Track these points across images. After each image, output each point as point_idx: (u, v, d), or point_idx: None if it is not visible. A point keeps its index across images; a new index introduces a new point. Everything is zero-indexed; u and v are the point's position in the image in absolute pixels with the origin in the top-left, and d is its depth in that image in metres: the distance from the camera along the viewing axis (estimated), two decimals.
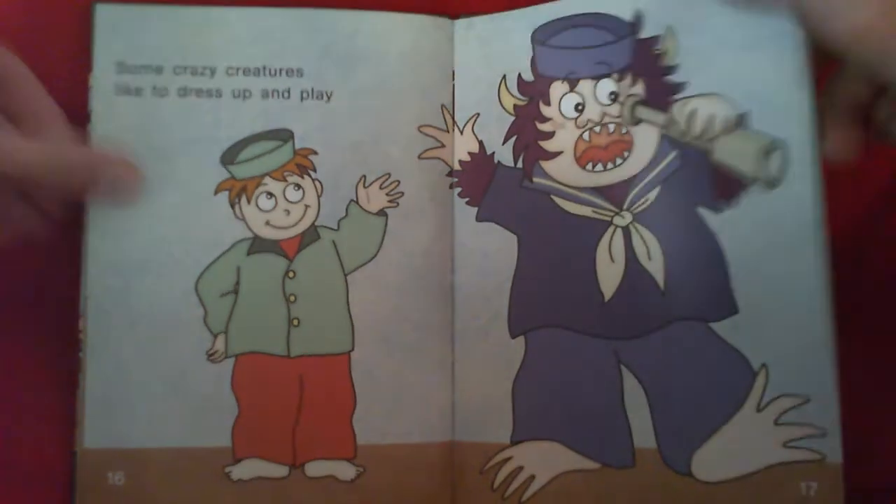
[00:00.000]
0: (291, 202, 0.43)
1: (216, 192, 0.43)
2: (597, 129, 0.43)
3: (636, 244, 0.42)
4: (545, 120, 0.43)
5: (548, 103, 0.43)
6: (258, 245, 0.43)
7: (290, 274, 0.43)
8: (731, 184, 0.40)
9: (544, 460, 0.42)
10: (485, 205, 0.44)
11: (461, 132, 0.44)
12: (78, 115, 0.42)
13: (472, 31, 0.44)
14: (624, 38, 0.42)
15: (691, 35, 0.41)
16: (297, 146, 0.43)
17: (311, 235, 0.43)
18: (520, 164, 0.44)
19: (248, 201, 0.43)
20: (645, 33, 0.42)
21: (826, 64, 0.38)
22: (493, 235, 0.43)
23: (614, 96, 0.42)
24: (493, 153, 0.44)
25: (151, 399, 0.42)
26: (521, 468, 0.42)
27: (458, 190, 0.44)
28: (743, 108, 0.39)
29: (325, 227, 0.43)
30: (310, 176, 0.43)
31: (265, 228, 0.43)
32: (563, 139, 0.43)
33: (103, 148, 0.42)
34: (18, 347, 0.44)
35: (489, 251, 0.43)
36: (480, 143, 0.44)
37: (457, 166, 0.44)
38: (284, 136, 0.43)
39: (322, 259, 0.43)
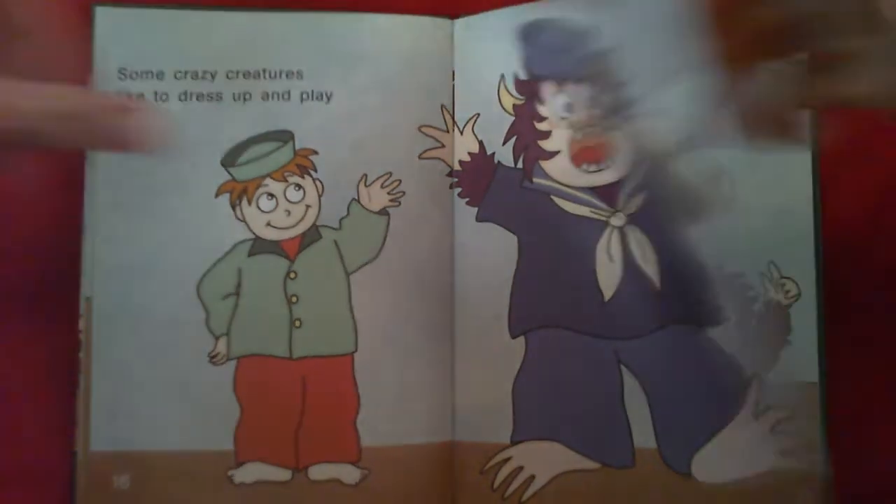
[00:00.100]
0: (292, 202, 0.43)
1: (217, 195, 0.43)
2: (588, 129, 0.43)
3: (632, 245, 0.42)
4: (542, 119, 0.44)
5: (543, 102, 0.43)
6: (259, 246, 0.43)
7: (292, 275, 0.43)
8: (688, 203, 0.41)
9: (544, 460, 0.42)
10: (485, 205, 0.44)
11: (461, 132, 0.44)
12: None
13: (472, 32, 0.44)
14: (581, 47, 0.43)
15: (643, 52, 0.41)
16: (298, 147, 0.43)
17: (312, 235, 0.43)
18: (520, 165, 0.44)
19: (249, 202, 0.43)
20: (599, 45, 0.42)
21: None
22: (493, 235, 0.43)
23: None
24: (494, 153, 0.44)
25: (154, 402, 0.42)
26: (520, 468, 0.42)
27: (458, 190, 0.44)
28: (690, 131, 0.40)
29: (327, 226, 0.43)
30: (310, 176, 0.43)
31: (266, 229, 0.43)
32: (559, 138, 0.43)
33: (108, 94, 0.38)
34: (18, 348, 0.44)
35: (489, 251, 0.43)
36: (480, 143, 0.44)
37: (457, 166, 0.44)
38: (285, 137, 0.43)
39: (324, 259, 0.43)
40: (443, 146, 0.44)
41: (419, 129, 0.44)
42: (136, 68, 0.43)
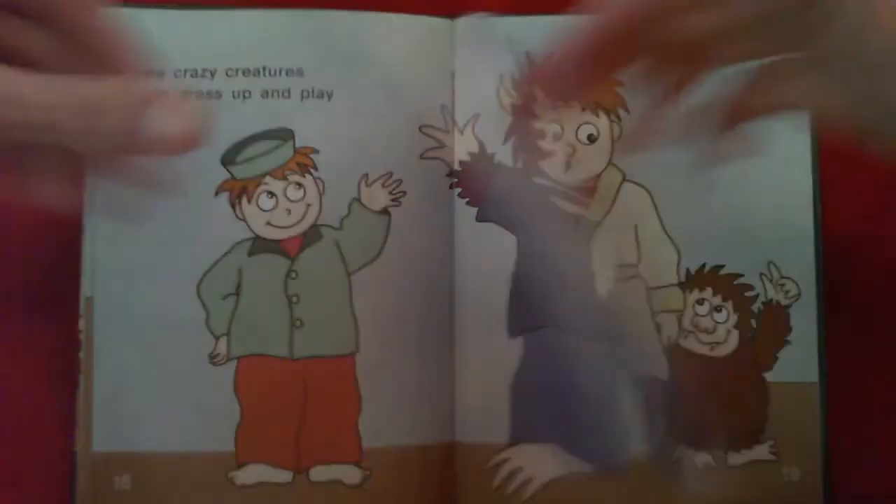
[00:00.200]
0: (292, 201, 0.43)
1: (217, 193, 0.42)
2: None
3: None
4: (538, 118, 0.44)
5: (537, 101, 0.43)
6: (259, 245, 0.42)
7: (293, 274, 0.42)
8: None
9: (541, 462, 0.42)
10: (485, 205, 0.44)
11: (461, 132, 0.44)
12: None
13: (472, 32, 0.44)
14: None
15: None
16: (298, 145, 0.43)
17: (313, 235, 0.42)
18: (520, 164, 0.44)
19: (249, 201, 0.42)
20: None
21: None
22: (493, 235, 0.43)
23: None
24: (494, 153, 0.44)
25: (155, 402, 0.41)
26: (519, 469, 0.42)
27: (458, 190, 0.44)
28: None
29: (328, 226, 0.43)
30: (311, 174, 0.43)
31: (266, 228, 0.42)
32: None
33: (132, 84, 0.30)
34: (18, 348, 0.43)
35: (489, 251, 0.43)
36: (480, 143, 0.44)
37: (457, 166, 0.44)
38: (285, 135, 0.43)
39: (325, 259, 0.42)
40: (443, 146, 0.44)
41: (419, 128, 0.44)
42: None
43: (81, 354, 0.41)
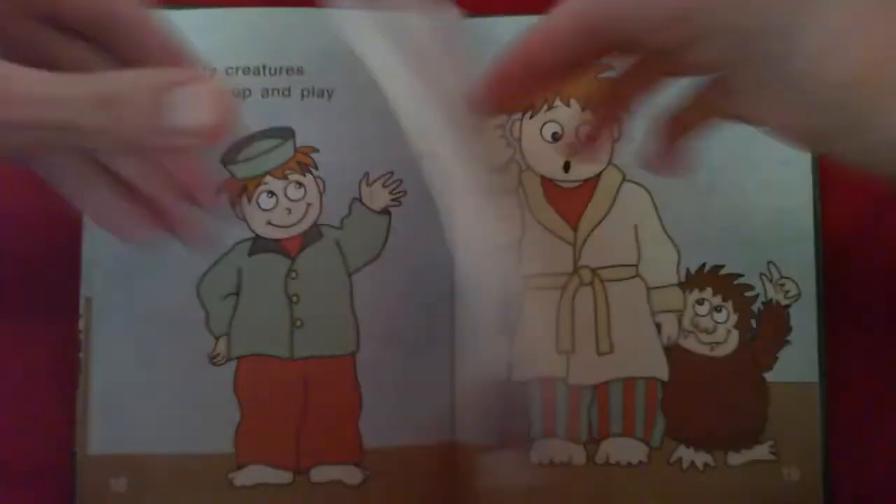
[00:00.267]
0: (293, 200, 0.42)
1: (217, 193, 0.42)
2: None
3: None
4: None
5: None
6: (259, 245, 0.42)
7: (293, 274, 0.42)
8: None
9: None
10: None
11: None
12: None
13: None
14: None
15: None
16: (298, 144, 0.43)
17: (313, 234, 0.42)
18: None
19: (249, 200, 0.42)
20: None
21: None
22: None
23: None
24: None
25: (153, 404, 0.41)
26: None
27: None
28: None
29: (328, 225, 0.42)
30: (311, 174, 0.43)
31: (266, 228, 0.42)
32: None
33: (150, 71, 0.28)
34: (18, 348, 0.43)
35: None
36: None
37: None
38: (285, 133, 0.42)
39: (325, 258, 0.42)
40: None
41: None
42: None
43: (81, 354, 0.41)
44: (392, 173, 0.43)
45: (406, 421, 0.42)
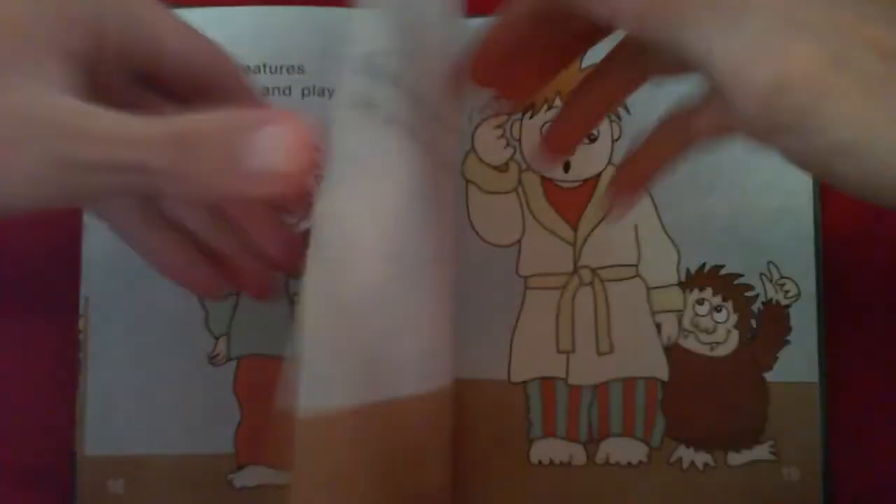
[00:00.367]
0: None
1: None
2: None
3: None
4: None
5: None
6: None
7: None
8: None
9: None
10: None
11: None
12: None
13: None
14: None
15: None
16: None
17: None
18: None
19: None
20: None
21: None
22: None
23: None
24: None
25: (151, 404, 0.41)
26: None
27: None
28: None
29: None
30: None
31: None
32: None
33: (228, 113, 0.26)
34: (18, 348, 0.43)
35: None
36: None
37: None
38: None
39: None
40: None
41: None
42: None
43: (81, 355, 0.41)
44: None
45: None
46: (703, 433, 0.42)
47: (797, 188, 0.42)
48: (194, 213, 0.35)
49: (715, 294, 0.42)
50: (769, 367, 0.42)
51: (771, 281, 0.42)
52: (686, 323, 0.42)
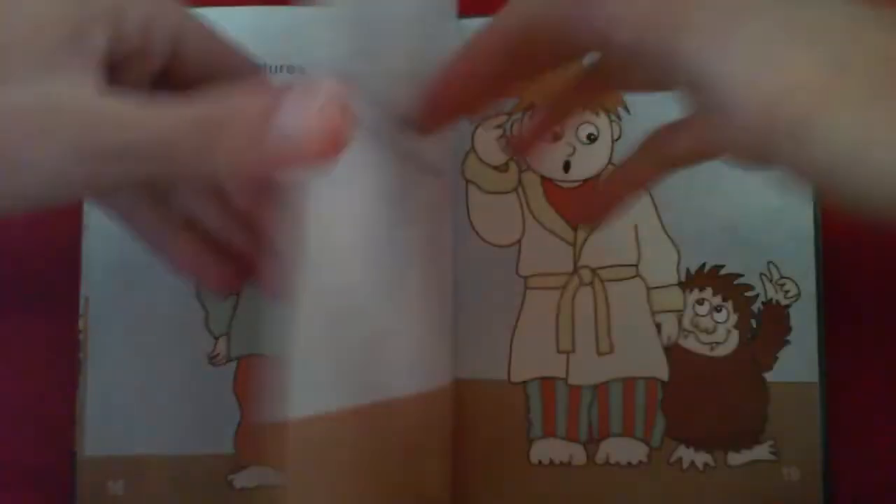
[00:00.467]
0: None
1: None
2: None
3: None
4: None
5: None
6: None
7: None
8: None
9: None
10: None
11: None
12: None
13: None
14: None
15: None
16: None
17: None
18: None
19: None
20: None
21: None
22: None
23: None
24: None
25: (151, 404, 0.41)
26: None
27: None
28: None
29: None
30: None
31: None
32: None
33: (249, 94, 0.26)
34: (18, 347, 0.43)
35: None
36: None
37: None
38: None
39: None
40: None
41: None
42: None
43: (81, 355, 0.41)
44: None
45: None
46: (703, 433, 0.42)
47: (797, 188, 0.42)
48: (207, 207, 0.35)
49: (715, 294, 0.42)
50: (769, 367, 0.42)
51: (771, 281, 0.42)
52: (686, 323, 0.42)
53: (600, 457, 0.42)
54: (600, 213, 0.37)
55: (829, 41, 0.23)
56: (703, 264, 0.42)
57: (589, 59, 0.32)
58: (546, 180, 0.43)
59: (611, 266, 0.43)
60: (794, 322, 0.42)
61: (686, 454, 0.42)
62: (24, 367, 0.43)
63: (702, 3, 0.24)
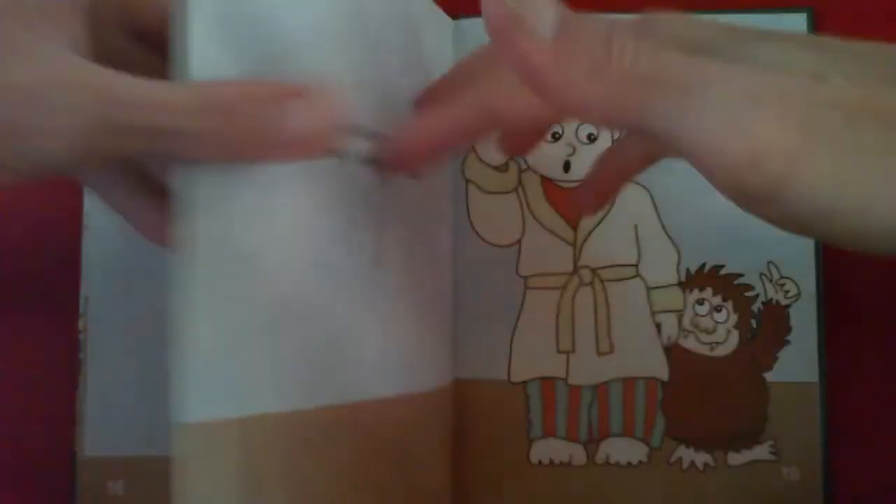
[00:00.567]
0: None
1: None
2: None
3: None
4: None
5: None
6: None
7: None
8: None
9: None
10: None
11: None
12: None
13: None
14: None
15: None
16: None
17: None
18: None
19: None
20: None
21: None
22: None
23: None
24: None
25: (151, 404, 0.41)
26: None
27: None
28: None
29: None
30: None
31: None
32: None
33: (258, 83, 0.28)
34: (18, 348, 0.43)
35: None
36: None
37: None
38: None
39: None
40: None
41: None
42: None
43: (81, 355, 0.41)
44: None
45: None
46: (703, 433, 0.42)
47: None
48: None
49: (715, 294, 0.42)
50: (769, 367, 0.42)
51: (771, 281, 0.42)
52: (686, 323, 0.42)
53: (600, 457, 0.42)
54: (597, 201, 0.38)
55: (792, 101, 0.23)
56: (703, 264, 0.42)
57: None
58: (546, 180, 0.43)
59: (611, 266, 0.43)
60: (794, 322, 0.42)
61: (686, 454, 0.42)
62: (24, 367, 0.43)
63: (661, 81, 0.24)
